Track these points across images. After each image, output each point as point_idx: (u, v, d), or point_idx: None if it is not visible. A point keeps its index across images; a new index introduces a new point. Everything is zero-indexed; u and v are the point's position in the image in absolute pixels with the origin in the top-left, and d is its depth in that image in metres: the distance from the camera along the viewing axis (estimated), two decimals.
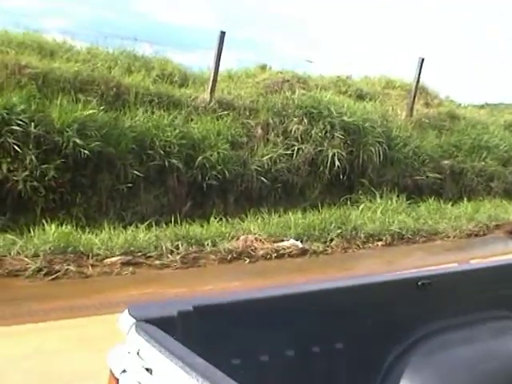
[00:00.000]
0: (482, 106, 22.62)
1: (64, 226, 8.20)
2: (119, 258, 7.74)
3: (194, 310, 2.17)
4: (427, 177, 13.37)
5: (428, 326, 3.02)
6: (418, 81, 14.97)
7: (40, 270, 7.15)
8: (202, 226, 9.13)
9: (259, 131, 11.32)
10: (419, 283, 2.94)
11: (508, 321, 3.33)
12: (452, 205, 12.97)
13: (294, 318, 2.50)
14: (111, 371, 2.02)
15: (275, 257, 8.57)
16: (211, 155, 10.23)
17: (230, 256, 8.30)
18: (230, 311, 2.35)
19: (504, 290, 3.35)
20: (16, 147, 8.64)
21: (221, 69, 12.20)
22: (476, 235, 11.58)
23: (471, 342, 3.12)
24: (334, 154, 11.50)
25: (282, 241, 8.96)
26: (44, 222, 8.30)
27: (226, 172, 10.25)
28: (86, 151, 8.99)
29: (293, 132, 11.51)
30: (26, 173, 8.66)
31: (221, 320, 2.30)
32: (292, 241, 8.97)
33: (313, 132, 11.62)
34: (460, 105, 19.89)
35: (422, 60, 14.84)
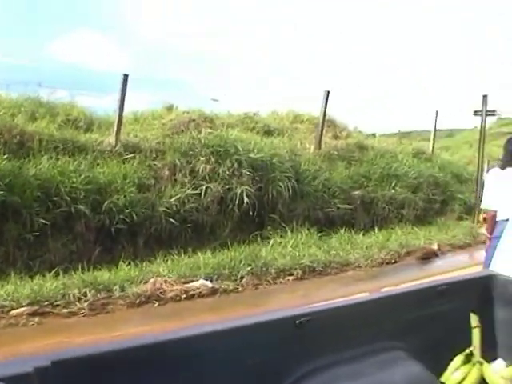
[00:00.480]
0: (395, 135, 23.20)
1: None
2: (25, 308, 7.58)
3: (53, 365, 2.02)
4: (338, 208, 13.53)
5: (311, 363, 2.93)
6: (324, 114, 15.20)
7: None
8: (110, 271, 9.04)
9: (166, 172, 11.32)
10: (297, 322, 2.86)
11: (396, 351, 3.26)
12: (363, 234, 13.14)
13: (166, 367, 2.42)
14: None
15: (185, 298, 8.52)
16: (118, 199, 10.19)
17: (138, 300, 8.19)
18: (93, 365, 2.20)
19: (391, 319, 3.31)
20: None
21: (128, 111, 12.22)
22: (388, 263, 11.71)
23: (358, 376, 3.02)
24: (243, 192, 11.55)
25: (192, 281, 8.93)
26: None
27: (134, 215, 10.21)
28: None
29: (200, 171, 11.54)
30: None
31: (83, 375, 2.16)
32: (202, 281, 8.95)
33: (220, 170, 11.66)
34: (374, 134, 20.38)
35: (328, 93, 15.13)
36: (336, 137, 17.15)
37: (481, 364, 3.47)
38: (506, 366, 3.67)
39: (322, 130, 15.04)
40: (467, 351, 3.52)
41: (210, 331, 2.65)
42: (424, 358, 3.21)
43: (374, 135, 20.62)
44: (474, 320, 3.61)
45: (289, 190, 12.45)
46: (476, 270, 4.53)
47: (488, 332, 3.77)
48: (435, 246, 12.90)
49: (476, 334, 3.57)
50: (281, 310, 3.15)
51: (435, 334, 3.47)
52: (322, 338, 2.99)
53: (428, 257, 12.31)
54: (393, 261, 11.87)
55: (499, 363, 3.83)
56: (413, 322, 3.42)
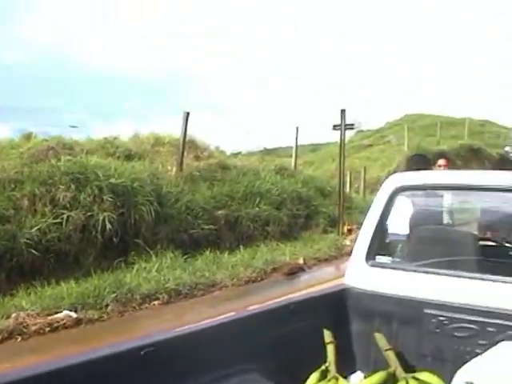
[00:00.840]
0: (260, 152, 23.54)
1: None
2: None
3: None
4: (202, 229, 13.61)
5: None
6: (185, 135, 15.30)
7: None
8: None
9: (26, 202, 11.05)
10: (142, 352, 2.85)
11: (250, 374, 3.34)
12: (229, 253, 13.30)
13: None
14: None
15: (49, 331, 8.34)
16: None
17: (0, 336, 8.06)
18: None
19: (244, 342, 3.37)
20: None
21: None
22: (254, 281, 11.87)
23: None
24: (105, 218, 11.46)
25: (56, 313, 8.79)
26: None
27: None
28: None
29: (61, 200, 11.34)
30: None
31: None
32: (66, 312, 8.81)
33: (81, 198, 11.51)
34: (239, 153, 20.59)
35: (188, 114, 15.26)
36: (197, 158, 17.29)
37: (336, 379, 3.57)
38: (365, 378, 3.86)
39: (182, 152, 15.13)
40: (323, 367, 3.65)
41: (54, 369, 2.63)
42: (279, 378, 3.28)
43: (238, 154, 20.88)
44: (327, 336, 3.73)
45: (151, 213, 12.44)
46: (335, 283, 4.66)
47: (345, 346, 3.94)
48: (301, 261, 13.19)
49: (330, 350, 3.71)
50: (125, 341, 3.13)
51: (290, 353, 3.54)
52: (171, 366, 2.97)
53: (294, 272, 12.52)
54: (259, 278, 12.04)
55: (357, 376, 4.03)
56: (267, 342, 3.49)
